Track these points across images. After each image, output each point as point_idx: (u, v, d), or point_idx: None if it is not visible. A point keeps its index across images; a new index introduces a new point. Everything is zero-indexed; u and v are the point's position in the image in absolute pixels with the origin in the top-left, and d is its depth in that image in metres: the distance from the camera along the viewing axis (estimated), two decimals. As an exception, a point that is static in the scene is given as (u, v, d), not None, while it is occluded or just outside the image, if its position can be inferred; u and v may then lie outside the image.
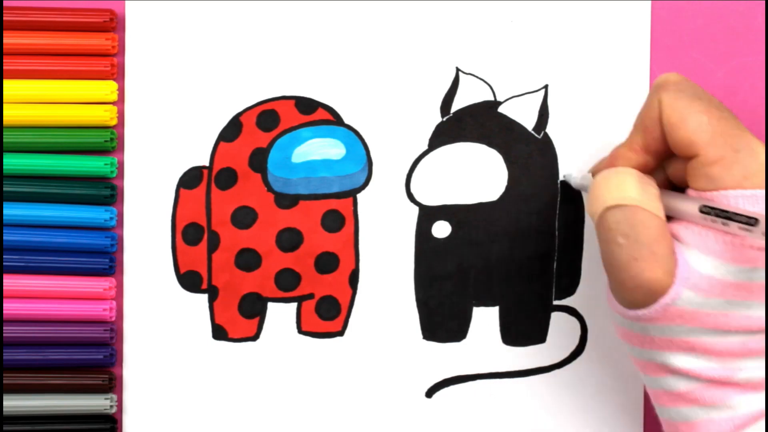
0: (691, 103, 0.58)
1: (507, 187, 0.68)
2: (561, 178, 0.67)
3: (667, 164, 0.61)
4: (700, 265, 0.57)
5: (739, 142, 0.57)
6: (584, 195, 0.66)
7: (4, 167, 0.65)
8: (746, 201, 0.56)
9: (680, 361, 0.58)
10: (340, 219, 0.67)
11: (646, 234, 0.57)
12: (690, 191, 0.58)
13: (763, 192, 0.56)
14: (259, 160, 0.67)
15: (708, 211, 0.56)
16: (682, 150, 0.58)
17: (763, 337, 0.58)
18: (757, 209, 0.56)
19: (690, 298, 0.57)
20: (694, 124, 0.57)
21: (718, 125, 0.57)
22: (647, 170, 0.61)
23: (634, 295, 0.57)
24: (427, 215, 0.68)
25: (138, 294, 0.66)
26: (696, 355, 0.58)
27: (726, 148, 0.57)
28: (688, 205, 0.58)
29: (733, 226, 0.56)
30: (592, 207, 0.59)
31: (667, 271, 0.57)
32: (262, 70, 0.67)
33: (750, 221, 0.55)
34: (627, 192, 0.58)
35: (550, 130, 0.68)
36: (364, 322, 0.67)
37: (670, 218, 0.59)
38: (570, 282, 0.68)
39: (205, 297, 0.67)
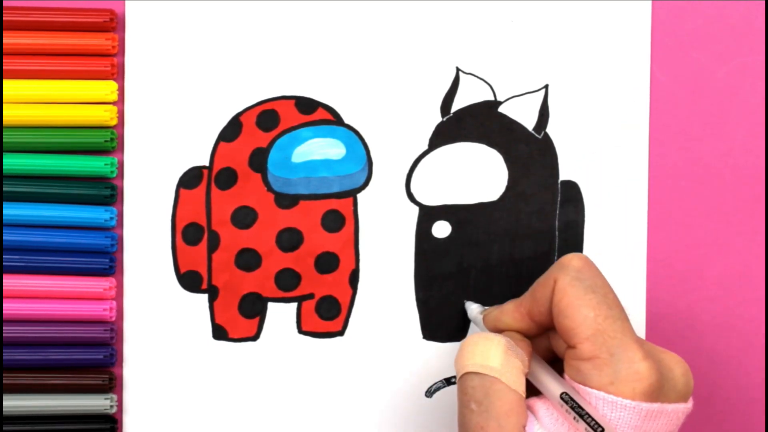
0: (584, 294, 0.58)
1: (507, 187, 0.68)
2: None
3: (552, 335, 0.61)
4: None
5: (618, 346, 0.56)
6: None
7: (4, 167, 0.65)
8: (606, 405, 0.56)
9: None
10: (340, 219, 0.67)
11: (498, 406, 0.57)
12: (565, 374, 0.58)
13: (624, 401, 0.56)
14: (259, 160, 0.67)
15: (567, 400, 0.57)
16: (564, 337, 0.58)
17: None
18: (613, 416, 0.56)
19: None
20: (579, 317, 0.57)
21: (602, 323, 0.57)
22: (529, 334, 0.61)
23: None
24: (427, 215, 0.68)
25: (138, 294, 0.66)
26: None
27: (603, 348, 0.56)
28: (552, 386, 0.58)
29: (582, 426, 0.56)
30: (456, 365, 0.60)
31: None
32: (262, 70, 0.67)
33: (597, 428, 0.56)
34: (489, 361, 0.58)
35: (551, 130, 0.68)
36: (364, 322, 0.67)
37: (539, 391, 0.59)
38: (570, 282, 0.68)
39: (205, 297, 0.67)
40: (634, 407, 0.56)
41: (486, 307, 0.65)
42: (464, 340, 0.60)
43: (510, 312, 0.62)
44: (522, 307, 0.61)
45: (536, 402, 0.59)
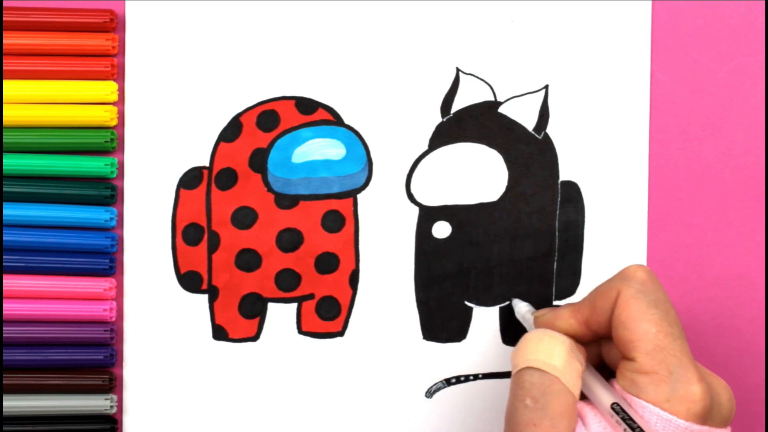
0: (647, 309, 0.57)
1: (507, 187, 0.68)
2: (506, 305, 0.68)
3: (605, 344, 0.61)
4: None
5: (677, 365, 0.56)
6: (523, 324, 0.66)
7: (4, 167, 0.65)
8: (659, 422, 0.56)
9: None
10: (340, 219, 0.67)
11: (554, 406, 0.57)
12: (615, 383, 0.58)
13: (678, 420, 0.56)
14: (259, 160, 0.67)
15: (618, 410, 0.56)
16: (621, 348, 0.58)
17: None
18: None
19: None
20: (641, 331, 0.57)
21: (663, 340, 0.57)
22: (582, 341, 0.61)
23: None
24: (428, 215, 0.68)
25: (138, 294, 0.66)
26: None
27: (662, 365, 0.56)
28: (603, 396, 0.58)
29: None
30: (515, 359, 0.60)
31: None
32: (262, 70, 0.67)
33: None
34: (552, 359, 0.58)
35: (551, 130, 0.68)
36: (364, 322, 0.67)
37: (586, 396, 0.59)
38: (570, 282, 0.68)
39: (205, 297, 0.67)
40: (686, 428, 0.56)
41: (533, 307, 0.65)
42: (526, 335, 0.60)
43: (566, 317, 0.61)
44: (579, 314, 0.60)
45: (584, 407, 0.58)
